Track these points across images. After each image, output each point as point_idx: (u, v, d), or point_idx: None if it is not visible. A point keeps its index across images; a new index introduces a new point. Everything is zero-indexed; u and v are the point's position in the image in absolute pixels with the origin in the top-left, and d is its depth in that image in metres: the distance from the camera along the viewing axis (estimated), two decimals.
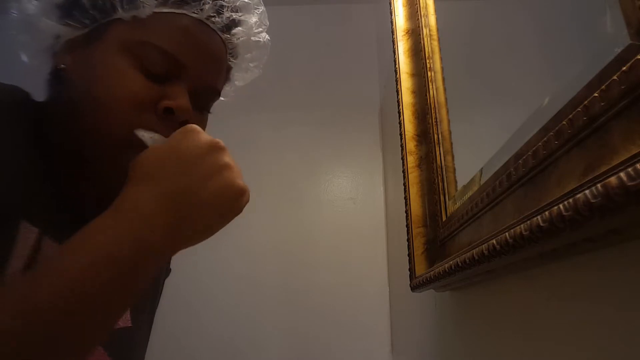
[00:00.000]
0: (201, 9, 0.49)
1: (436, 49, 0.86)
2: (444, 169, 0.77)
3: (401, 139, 0.92)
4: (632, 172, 0.25)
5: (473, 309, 0.67)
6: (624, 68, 0.27)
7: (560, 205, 0.31)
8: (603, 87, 0.29)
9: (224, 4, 0.51)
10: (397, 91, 0.96)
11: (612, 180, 0.26)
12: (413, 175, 0.87)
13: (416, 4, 0.95)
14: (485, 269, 0.51)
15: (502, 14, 0.61)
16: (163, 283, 0.70)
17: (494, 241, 0.43)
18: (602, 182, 0.27)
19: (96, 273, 0.35)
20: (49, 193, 0.48)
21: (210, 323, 1.59)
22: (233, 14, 0.53)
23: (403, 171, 0.91)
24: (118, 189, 0.42)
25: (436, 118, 0.82)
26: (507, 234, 0.40)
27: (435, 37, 0.87)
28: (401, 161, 0.93)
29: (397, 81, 0.96)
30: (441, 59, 0.84)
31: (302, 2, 1.94)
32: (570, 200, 0.30)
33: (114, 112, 0.45)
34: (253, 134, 1.78)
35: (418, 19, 0.93)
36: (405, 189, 0.88)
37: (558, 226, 0.32)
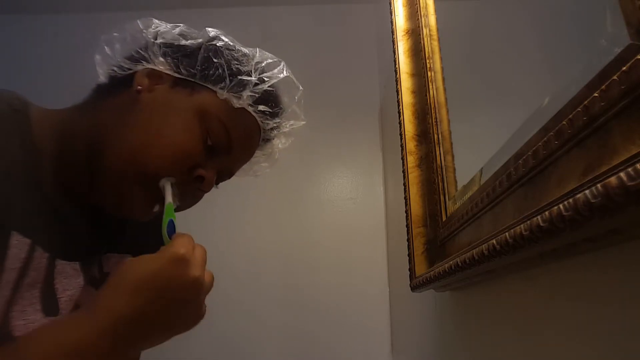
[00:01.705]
0: (267, 124, 0.60)
1: (436, 49, 0.86)
2: (444, 169, 0.77)
3: (401, 139, 0.92)
4: (632, 172, 0.25)
5: (473, 309, 0.67)
6: (624, 68, 0.27)
7: (560, 205, 0.31)
8: (603, 87, 0.29)
9: (285, 126, 0.65)
10: (397, 91, 0.96)
11: (612, 180, 0.26)
12: (413, 175, 0.87)
13: (416, 4, 0.95)
14: (485, 269, 0.51)
15: (502, 14, 0.61)
16: None
17: (494, 241, 0.43)
18: (602, 182, 0.27)
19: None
20: (41, 203, 0.48)
21: (210, 323, 1.58)
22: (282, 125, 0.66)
23: (403, 171, 0.91)
24: (122, 211, 0.51)
25: (436, 118, 0.82)
26: (507, 234, 0.40)
27: (435, 37, 0.87)
28: (401, 161, 0.93)
29: (397, 81, 0.96)
30: (441, 59, 0.84)
31: (302, 2, 1.94)
32: (570, 200, 0.30)
33: (163, 152, 0.50)
34: None
35: (418, 19, 0.93)
36: (405, 189, 0.88)
37: (558, 226, 0.32)
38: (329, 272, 1.64)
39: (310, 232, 1.69)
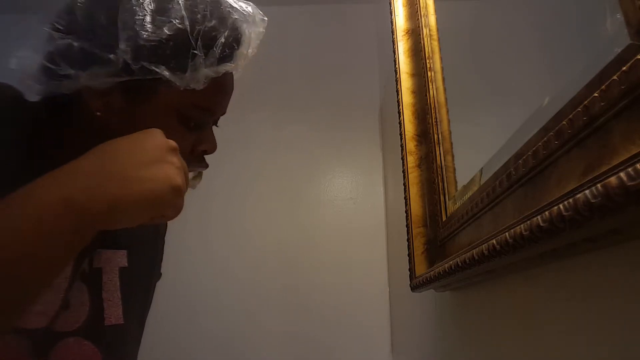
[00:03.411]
0: (237, 65, 0.53)
1: (436, 49, 0.86)
2: (444, 169, 0.77)
3: (401, 139, 0.92)
4: (632, 172, 0.25)
5: (473, 309, 0.67)
6: (624, 68, 0.27)
7: (560, 205, 0.31)
8: (603, 87, 0.29)
9: (249, 52, 0.54)
10: (397, 91, 0.96)
11: (612, 180, 0.26)
12: (413, 175, 0.87)
13: (416, 4, 0.95)
14: (485, 269, 0.51)
15: (502, 14, 0.61)
16: (154, 286, 0.70)
17: (494, 241, 0.43)
18: (602, 182, 0.27)
19: (8, 225, 0.35)
20: None
21: (210, 323, 1.59)
22: (250, 50, 0.56)
23: (403, 171, 0.91)
24: None
25: (436, 118, 0.82)
26: (507, 234, 0.40)
27: (435, 37, 0.87)
28: (401, 161, 0.93)
29: (397, 81, 0.96)
30: (441, 59, 0.84)
31: (302, 2, 1.94)
32: (570, 200, 0.30)
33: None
34: (253, 133, 1.78)
35: (418, 19, 0.93)
36: (405, 189, 0.88)
37: (558, 226, 0.32)
38: (329, 272, 1.64)
39: (310, 232, 1.69)
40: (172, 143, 0.44)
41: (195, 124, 0.52)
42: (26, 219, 0.36)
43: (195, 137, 0.53)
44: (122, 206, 0.39)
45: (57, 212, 0.36)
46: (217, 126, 0.59)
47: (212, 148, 0.55)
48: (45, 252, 0.37)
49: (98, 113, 0.49)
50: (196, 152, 0.54)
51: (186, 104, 0.50)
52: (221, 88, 0.54)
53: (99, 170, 0.39)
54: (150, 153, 0.42)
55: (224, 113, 0.57)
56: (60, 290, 0.51)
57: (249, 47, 0.53)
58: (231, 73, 0.55)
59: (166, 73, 0.47)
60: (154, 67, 0.47)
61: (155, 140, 0.43)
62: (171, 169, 0.43)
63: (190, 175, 0.51)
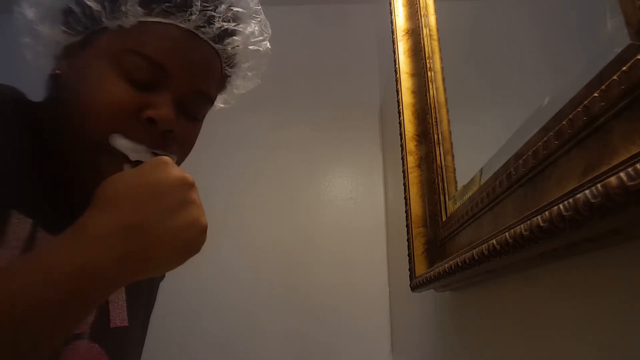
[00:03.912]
0: (188, 20, 0.48)
1: (436, 49, 0.86)
2: (444, 169, 0.77)
3: (401, 139, 0.92)
4: (632, 172, 0.25)
5: (473, 309, 0.67)
6: (624, 68, 0.27)
7: (560, 205, 0.31)
8: (603, 87, 0.29)
9: (215, 14, 0.50)
10: (397, 91, 0.96)
11: (612, 180, 0.26)
12: (413, 175, 0.87)
13: (416, 4, 0.95)
14: (485, 269, 0.51)
15: (502, 14, 0.61)
16: (158, 286, 0.70)
17: (494, 241, 0.43)
18: (602, 182, 0.27)
19: (33, 292, 0.33)
20: (42, 186, 0.48)
21: (210, 323, 1.59)
22: (225, 24, 0.52)
23: (403, 171, 0.91)
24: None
25: (436, 118, 0.82)
26: (507, 234, 0.40)
27: (435, 37, 0.87)
28: (401, 161, 0.93)
29: (397, 81, 0.96)
30: (441, 59, 0.84)
31: (302, 2, 1.94)
32: (570, 200, 0.30)
33: (96, 117, 0.46)
34: (253, 133, 1.78)
35: (418, 19, 0.93)
36: (405, 189, 0.88)
37: (558, 226, 0.32)
38: (329, 272, 1.64)
39: (310, 232, 1.69)
40: (188, 177, 0.41)
41: (144, 82, 0.47)
42: (49, 292, 0.33)
43: (142, 99, 0.47)
44: (156, 267, 0.38)
45: (80, 287, 0.34)
46: (197, 120, 0.53)
47: (161, 117, 0.46)
48: (70, 319, 0.36)
49: (58, 71, 0.49)
50: (141, 117, 0.46)
51: (122, 48, 0.46)
52: (167, 40, 0.48)
53: (121, 229, 0.36)
54: (171, 196, 0.39)
55: (190, 87, 0.50)
56: None
57: (200, 9, 0.49)
58: (196, 38, 0.50)
59: (93, 3, 0.46)
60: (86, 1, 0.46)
61: (171, 178, 0.40)
62: (196, 210, 0.40)
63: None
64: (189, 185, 0.41)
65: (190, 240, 0.40)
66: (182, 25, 0.48)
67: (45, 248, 0.37)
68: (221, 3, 0.51)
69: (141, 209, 0.38)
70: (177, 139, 0.51)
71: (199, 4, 0.49)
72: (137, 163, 0.46)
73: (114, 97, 0.46)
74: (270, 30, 0.58)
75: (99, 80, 0.46)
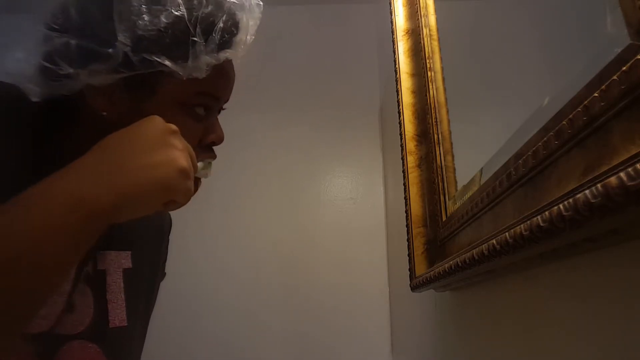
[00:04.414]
0: (236, 51, 0.52)
1: (436, 49, 0.86)
2: (444, 169, 0.77)
3: (401, 139, 0.92)
4: (632, 172, 0.25)
5: (473, 309, 0.67)
6: (624, 68, 0.27)
7: (560, 205, 0.31)
8: (603, 87, 0.29)
9: (248, 38, 0.53)
10: (397, 91, 0.96)
11: (612, 180, 0.26)
12: (413, 175, 0.87)
13: (416, 4, 0.95)
14: (485, 269, 0.51)
15: (502, 14, 0.61)
16: (158, 286, 0.70)
17: (494, 241, 0.43)
18: (602, 182, 0.27)
19: (33, 217, 0.36)
20: None
21: (210, 323, 1.59)
22: (243, 36, 0.54)
23: (403, 171, 0.91)
24: None
25: (436, 118, 0.82)
26: (507, 234, 0.40)
27: (435, 37, 0.87)
28: (401, 161, 0.93)
29: (397, 81, 0.96)
30: (441, 59, 0.84)
31: (302, 2, 1.94)
32: (570, 200, 0.30)
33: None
34: (253, 134, 1.78)
35: (418, 19, 0.93)
36: (405, 189, 0.88)
37: (558, 226, 0.32)
38: (329, 272, 1.64)
39: (310, 232, 1.69)
40: (172, 126, 0.44)
41: (201, 114, 0.52)
42: (34, 216, 0.36)
43: (202, 129, 0.53)
44: (131, 196, 0.40)
45: (66, 208, 0.36)
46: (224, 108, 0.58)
47: (220, 138, 0.54)
48: (55, 249, 0.36)
49: (104, 113, 0.48)
50: (204, 143, 0.53)
51: (190, 93, 0.50)
52: (223, 74, 0.53)
53: (103, 163, 0.40)
54: (151, 139, 0.42)
55: (227, 100, 0.57)
56: (63, 293, 0.51)
57: (247, 33, 0.53)
58: (230, 63, 0.54)
59: (167, 63, 0.47)
60: (155, 58, 0.46)
61: (154, 126, 0.43)
62: (174, 152, 0.43)
63: (200, 165, 0.51)
64: (171, 132, 0.44)
65: (165, 177, 0.41)
66: (231, 58, 0.52)
67: (34, 188, 0.38)
68: (238, 17, 0.52)
69: (124, 149, 0.41)
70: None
71: (237, 31, 0.51)
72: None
73: (189, 136, 0.48)
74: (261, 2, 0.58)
75: (175, 124, 0.46)
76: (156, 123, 0.44)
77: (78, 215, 0.37)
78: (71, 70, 0.45)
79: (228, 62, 0.53)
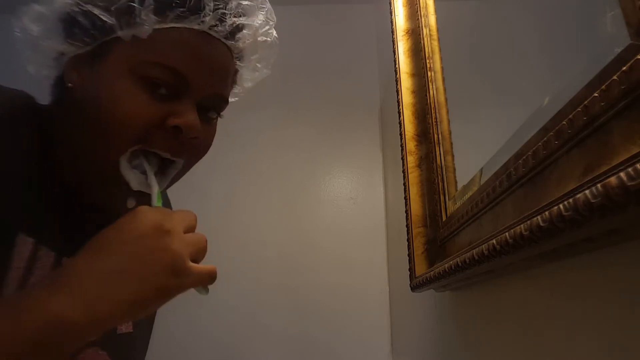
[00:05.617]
0: (202, 21, 0.48)
1: (436, 49, 0.86)
2: (444, 169, 0.77)
3: (401, 139, 0.92)
4: (632, 172, 0.25)
5: (473, 309, 0.67)
6: (624, 68, 0.27)
7: (560, 205, 0.31)
8: (603, 87, 0.29)
9: (226, 11, 0.50)
10: (397, 91, 0.96)
11: (612, 180, 0.26)
12: (413, 175, 0.87)
13: (416, 4, 0.95)
14: (485, 269, 0.51)
15: (502, 14, 0.61)
16: None
17: (494, 241, 0.43)
18: (602, 182, 0.27)
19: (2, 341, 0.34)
20: (45, 202, 0.48)
21: (210, 323, 1.59)
22: (236, 19, 0.51)
23: (403, 171, 0.91)
24: (111, 204, 0.48)
25: (436, 118, 0.82)
26: (507, 234, 0.40)
27: (435, 37, 0.87)
28: (401, 161, 0.93)
29: (397, 81, 0.96)
30: (441, 59, 0.84)
31: (302, 2, 1.94)
32: (570, 200, 0.30)
33: (118, 130, 0.45)
34: (253, 133, 1.78)
35: (418, 19, 0.93)
36: (405, 189, 0.88)
37: (558, 226, 0.32)
38: (329, 272, 1.63)
39: (310, 232, 1.69)
40: (164, 224, 0.41)
41: (164, 91, 0.47)
42: (17, 335, 0.34)
43: (166, 108, 0.47)
44: (127, 312, 0.38)
45: (47, 333, 0.35)
46: (220, 116, 0.54)
47: (187, 124, 0.47)
48: None
49: (70, 84, 0.48)
50: (166, 126, 0.46)
51: (140, 59, 0.46)
52: (188, 50, 0.47)
53: (93, 276, 0.38)
54: (143, 244, 0.40)
55: (210, 91, 0.50)
56: None
57: (213, 9, 0.48)
58: (210, 38, 0.49)
59: (105, 15, 0.45)
60: (97, 12, 0.45)
61: (143, 227, 0.40)
62: (167, 255, 0.40)
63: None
64: (162, 232, 0.40)
65: (160, 287, 0.39)
66: (196, 28, 0.48)
67: (20, 296, 0.37)
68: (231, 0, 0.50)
69: (112, 257, 0.39)
70: (200, 144, 0.51)
71: (211, 4, 0.48)
72: (139, 192, 0.47)
73: (136, 112, 0.45)
74: (275, 17, 0.57)
75: (122, 94, 0.45)
76: (145, 223, 0.41)
77: (58, 339, 0.35)
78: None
79: (202, 41, 0.48)
